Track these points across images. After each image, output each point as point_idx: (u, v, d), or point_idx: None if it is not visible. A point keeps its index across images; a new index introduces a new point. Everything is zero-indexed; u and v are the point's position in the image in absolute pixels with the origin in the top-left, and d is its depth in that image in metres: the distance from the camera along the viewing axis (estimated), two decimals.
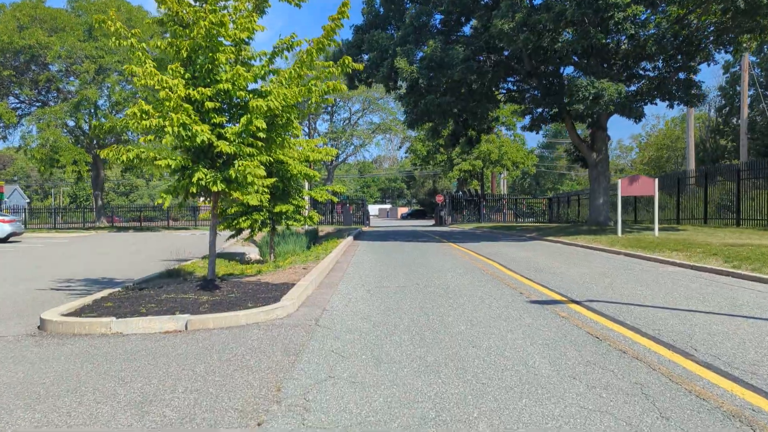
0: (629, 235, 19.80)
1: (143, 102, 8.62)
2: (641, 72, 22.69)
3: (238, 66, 9.00)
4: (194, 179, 8.72)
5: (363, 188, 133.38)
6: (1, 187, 61.99)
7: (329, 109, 58.95)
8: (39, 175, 55.13)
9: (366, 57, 25.71)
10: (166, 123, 8.28)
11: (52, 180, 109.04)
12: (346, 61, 9.85)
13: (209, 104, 8.83)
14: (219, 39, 9.08)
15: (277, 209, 17.81)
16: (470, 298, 8.47)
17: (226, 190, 9.39)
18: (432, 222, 67.08)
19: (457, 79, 20.77)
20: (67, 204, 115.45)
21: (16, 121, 42.37)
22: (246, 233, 19.29)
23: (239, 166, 8.58)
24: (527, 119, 27.10)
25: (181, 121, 8.32)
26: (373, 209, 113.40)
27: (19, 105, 45.06)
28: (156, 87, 8.64)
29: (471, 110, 23.69)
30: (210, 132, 8.90)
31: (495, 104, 25.38)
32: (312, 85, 9.63)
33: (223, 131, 9.13)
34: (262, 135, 9.55)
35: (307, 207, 19.27)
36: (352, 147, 60.62)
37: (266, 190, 18.10)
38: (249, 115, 8.91)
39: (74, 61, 40.29)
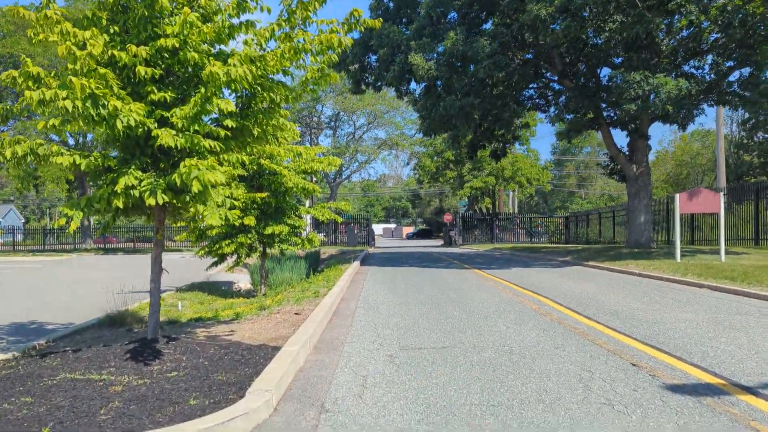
0: (690, 260, 16.50)
1: (30, 62, 5.46)
2: (694, 70, 19.53)
3: (191, 12, 5.82)
4: (119, 187, 5.52)
5: (367, 207, 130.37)
6: None
7: (334, 121, 55.97)
8: (17, 193, 52.02)
9: (374, 58, 22.68)
10: (63, 94, 5.11)
11: (50, 199, 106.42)
12: (356, 15, 6.74)
13: (142, 70, 5.65)
14: None
15: (268, 230, 14.58)
16: (560, 376, 5.21)
17: (175, 202, 6.20)
18: (440, 242, 63.76)
19: (482, 77, 17.67)
20: (63, 224, 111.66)
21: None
22: (232, 259, 16.07)
23: (184, 167, 5.37)
24: (554, 126, 23.88)
25: (88, 90, 5.14)
26: (377, 229, 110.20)
27: None
28: (57, 42, 5.49)
29: (496, 115, 20.56)
30: (144, 114, 5.73)
31: (522, 108, 22.21)
32: (300, 45, 6.44)
33: (168, 115, 5.95)
34: (230, 123, 6.40)
35: (306, 227, 16.06)
36: (357, 163, 57.60)
37: (255, 205, 14.92)
38: (204, 90, 5.74)
39: None
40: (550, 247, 33.07)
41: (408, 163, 59.05)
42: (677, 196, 17.04)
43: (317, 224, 50.24)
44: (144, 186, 5.65)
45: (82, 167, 5.58)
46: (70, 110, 5.20)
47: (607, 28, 16.11)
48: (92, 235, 46.28)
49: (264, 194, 14.34)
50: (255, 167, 14.65)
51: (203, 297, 14.08)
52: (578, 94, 19.90)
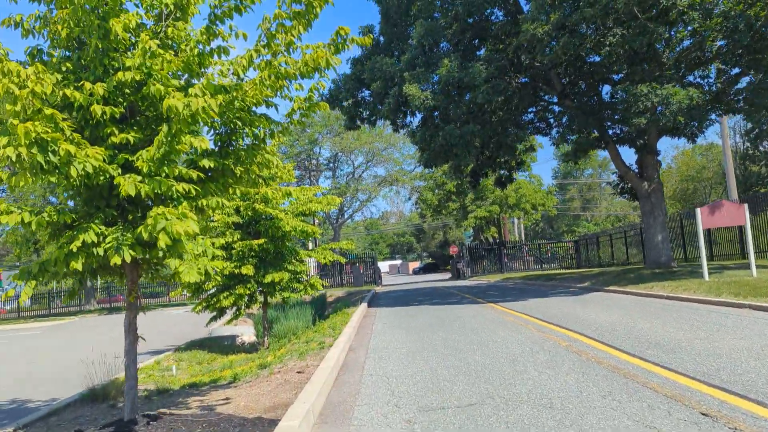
0: (719, 278, 15.52)
1: None
2: (700, 80, 18.84)
3: (150, 40, 5.05)
4: (74, 245, 4.67)
5: (371, 245, 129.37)
6: None
7: (331, 164, 55.49)
8: (16, 259, 51.27)
9: (367, 93, 22.10)
10: (3, 141, 4.31)
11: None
12: (342, 33, 5.99)
13: (99, 109, 4.86)
14: None
15: (267, 279, 13.68)
16: None
17: (149, 258, 5.38)
18: (447, 276, 62.58)
19: (480, 102, 16.97)
20: (11, 295, 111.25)
21: None
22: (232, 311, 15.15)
23: (150, 218, 4.54)
24: (555, 150, 23.09)
25: (33, 135, 4.34)
26: (383, 266, 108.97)
27: None
28: None
29: (498, 141, 19.82)
30: (105, 159, 4.92)
31: (524, 132, 21.49)
32: (283, 70, 5.68)
33: (133, 158, 5.15)
34: (207, 163, 5.61)
35: (309, 272, 15.20)
36: (358, 202, 56.93)
37: (252, 253, 14.06)
38: (168, 127, 4.94)
39: None
40: (564, 273, 32.05)
41: (409, 198, 58.37)
42: (698, 210, 16.16)
43: (323, 267, 49.29)
44: (108, 242, 4.81)
45: (32, 226, 4.73)
46: (14, 159, 4.39)
47: (607, 42, 15.45)
48: (95, 296, 45.30)
49: (261, 241, 13.51)
50: (250, 213, 13.86)
51: (203, 356, 13.13)
52: (581, 113, 19.18)
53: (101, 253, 4.82)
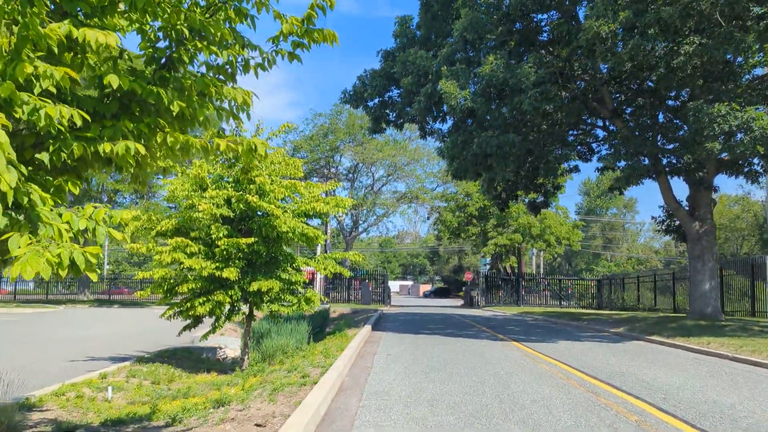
0: None
1: None
2: None
3: None
4: None
5: (384, 263, 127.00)
6: None
7: (350, 175, 53.43)
8: None
9: (396, 93, 19.93)
10: None
11: None
12: None
13: None
14: None
15: (254, 286, 11.32)
16: None
17: None
18: (459, 302, 59.97)
19: (525, 110, 14.67)
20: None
21: None
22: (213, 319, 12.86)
23: None
24: (576, 182, 20.66)
25: None
26: (394, 285, 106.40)
27: None
28: None
29: (538, 158, 17.47)
30: None
31: (571, 150, 19.07)
32: None
33: None
34: (118, 83, 3.31)
35: (306, 282, 12.91)
36: (374, 217, 54.66)
37: (240, 254, 11.77)
38: None
39: None
40: (588, 313, 29.42)
41: (428, 218, 55.87)
42: None
43: (331, 280, 47.04)
44: None
45: None
46: None
47: (682, 51, 13.11)
48: (89, 286, 43.26)
49: (251, 240, 11.25)
50: (242, 206, 11.61)
51: (165, 372, 10.83)
52: (633, 136, 16.78)
53: None
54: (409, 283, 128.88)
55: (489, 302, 45.90)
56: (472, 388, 7.84)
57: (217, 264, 11.23)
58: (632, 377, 9.12)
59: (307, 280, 12.63)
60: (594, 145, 23.01)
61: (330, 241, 52.98)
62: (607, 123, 22.31)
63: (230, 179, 12.12)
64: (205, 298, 11.31)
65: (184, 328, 12.26)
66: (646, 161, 18.95)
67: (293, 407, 6.06)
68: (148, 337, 17.02)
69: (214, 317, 11.91)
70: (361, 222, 54.35)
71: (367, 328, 16.89)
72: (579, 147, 22.54)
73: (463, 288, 64.16)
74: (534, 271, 63.17)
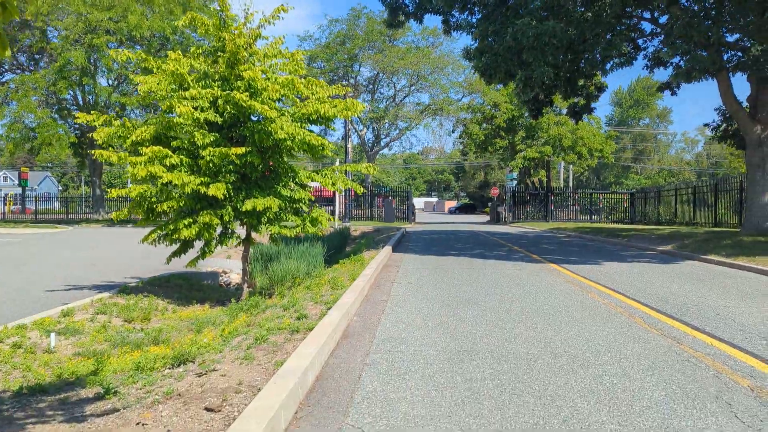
0: None
1: None
2: None
3: None
4: None
5: (408, 180, 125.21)
6: (24, 174, 55.89)
7: (370, 86, 50.66)
8: (8, 156, 48.63)
9: None
10: None
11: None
12: None
13: None
14: None
15: (247, 205, 9.51)
16: None
17: None
18: (485, 218, 58.28)
19: None
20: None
21: None
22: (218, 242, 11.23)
23: None
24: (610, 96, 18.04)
25: None
26: (418, 202, 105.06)
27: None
28: None
29: (583, 50, 14.98)
30: None
31: (621, 40, 16.37)
32: None
33: None
34: None
35: (310, 200, 11.12)
36: (397, 130, 52.15)
37: (231, 167, 9.84)
38: None
39: (57, 16, 33.05)
40: (625, 228, 27.41)
41: (453, 131, 53.12)
42: None
43: (355, 197, 45.44)
44: None
45: None
46: None
47: None
48: (104, 206, 42.27)
49: (241, 150, 9.39)
50: (231, 109, 9.67)
51: (147, 305, 9.30)
52: (695, 22, 14.17)
53: None
54: (434, 199, 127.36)
55: (516, 218, 44.09)
56: (513, 332, 6.09)
57: (203, 179, 9.44)
58: (710, 311, 7.29)
59: (312, 198, 10.81)
60: (640, 42, 20.27)
61: (351, 158, 50.89)
62: (656, 14, 19.53)
63: (216, 77, 10.11)
64: (190, 219, 9.62)
65: (173, 255, 10.66)
66: (705, 54, 16.36)
67: (270, 373, 4.36)
68: (152, 260, 15.59)
69: (203, 241, 10.25)
70: (383, 136, 52.06)
71: (387, 249, 15.22)
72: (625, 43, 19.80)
73: (489, 204, 62.24)
74: (562, 186, 60.77)
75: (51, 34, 37.10)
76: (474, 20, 15.86)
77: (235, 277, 15.15)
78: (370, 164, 11.45)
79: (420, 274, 11.00)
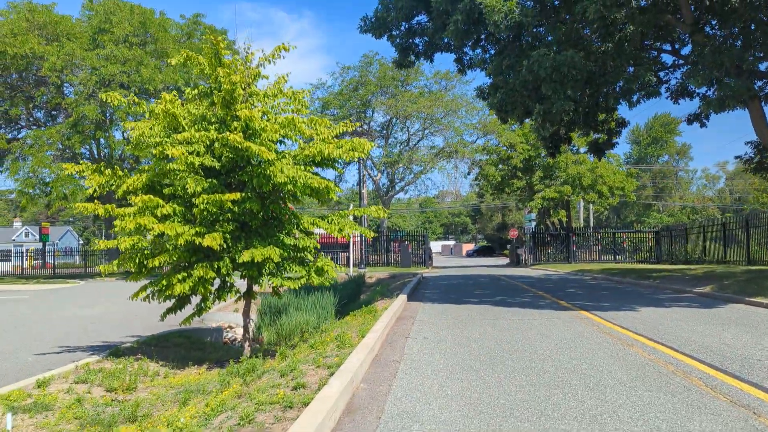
0: None
1: None
2: None
3: None
4: None
5: (424, 224, 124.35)
6: (45, 229, 55.90)
7: (386, 129, 50.40)
8: (26, 211, 48.66)
9: (426, 19, 16.79)
10: None
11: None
12: None
13: None
14: None
15: (245, 256, 8.68)
16: None
17: None
18: (504, 261, 56.91)
19: (589, 19, 11.51)
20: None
21: (6, 146, 35.22)
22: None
23: None
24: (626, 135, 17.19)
25: None
26: (435, 246, 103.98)
27: (16, 127, 38.42)
28: None
29: (603, 83, 14.20)
30: None
31: (645, 70, 15.60)
32: None
33: None
34: None
35: (316, 248, 10.26)
36: (412, 174, 51.55)
37: (228, 215, 8.96)
38: None
39: (72, 71, 33.22)
40: (655, 269, 26.14)
41: (469, 173, 52.38)
42: None
43: (372, 243, 44.60)
44: None
45: None
46: None
47: None
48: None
49: (237, 195, 8.61)
50: (228, 152, 8.93)
51: (141, 368, 8.41)
52: (725, 48, 13.37)
53: None
54: (451, 243, 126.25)
55: (537, 260, 42.84)
56: (550, 403, 5.09)
57: (198, 229, 8.63)
58: None
59: (318, 246, 9.95)
60: (662, 74, 19.49)
61: (366, 203, 50.21)
62: (677, 46, 18.82)
63: (213, 119, 9.42)
64: (185, 273, 8.78)
65: (168, 312, 9.80)
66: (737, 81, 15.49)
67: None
68: (156, 316, 14.76)
69: (200, 297, 9.40)
70: (397, 180, 51.47)
71: (402, 298, 14.24)
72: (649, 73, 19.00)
73: (508, 246, 60.94)
74: (582, 226, 59.44)
75: (67, 90, 37.36)
76: (487, 57, 15.21)
77: (240, 333, 14.23)
78: (380, 207, 10.61)
79: (437, 326, 10.01)
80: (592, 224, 65.20)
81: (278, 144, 9.65)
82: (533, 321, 10.44)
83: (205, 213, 8.57)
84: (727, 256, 31.00)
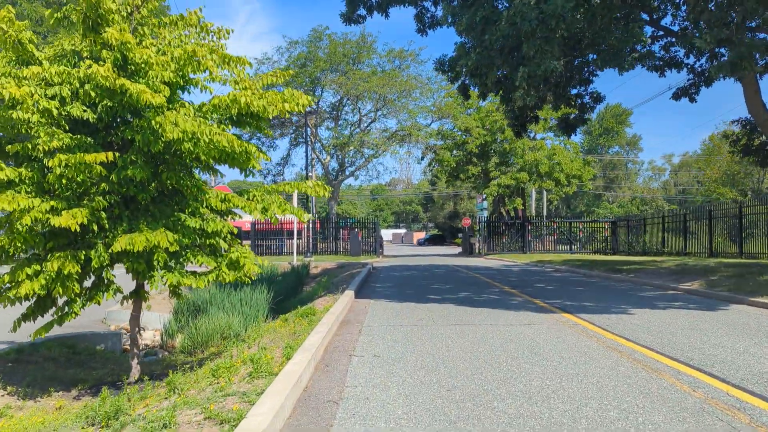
0: None
1: None
2: None
3: None
4: None
5: (375, 212, 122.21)
6: None
7: (335, 110, 47.75)
8: None
9: None
10: None
11: None
12: None
13: None
14: None
15: (120, 243, 6.16)
16: None
17: None
18: (456, 250, 55.24)
19: None
20: None
21: None
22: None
23: None
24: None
25: None
26: (386, 234, 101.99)
27: None
28: None
29: (599, 37, 11.94)
30: None
31: (641, 27, 13.46)
32: None
33: None
34: None
35: (231, 233, 7.75)
36: (363, 158, 49.09)
37: (104, 185, 6.37)
38: None
39: None
40: (618, 260, 24.54)
41: (422, 159, 50.26)
42: None
43: (321, 230, 42.21)
44: None
45: None
46: None
47: None
48: None
49: (110, 154, 6.07)
50: (102, 98, 6.33)
51: None
52: (725, 5, 11.42)
53: None
54: (402, 231, 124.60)
55: (491, 249, 41.17)
56: None
57: (54, 203, 6.04)
58: None
59: (235, 231, 7.46)
60: (638, 48, 17.57)
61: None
62: (655, 17, 16.98)
63: (85, 53, 6.80)
64: (38, 266, 6.16)
65: (23, 319, 7.16)
66: (725, 58, 13.67)
67: None
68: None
69: (65, 299, 6.82)
70: (348, 164, 48.94)
71: (349, 294, 11.90)
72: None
73: (460, 235, 59.31)
74: (534, 215, 58.21)
75: None
76: (456, 4, 12.78)
77: (148, 336, 11.63)
78: (321, 183, 8.18)
79: (392, 336, 7.71)
80: (545, 214, 64.24)
81: (180, 92, 7.11)
82: (511, 329, 8.26)
83: (64, 181, 6.00)
84: (688, 248, 29.94)
